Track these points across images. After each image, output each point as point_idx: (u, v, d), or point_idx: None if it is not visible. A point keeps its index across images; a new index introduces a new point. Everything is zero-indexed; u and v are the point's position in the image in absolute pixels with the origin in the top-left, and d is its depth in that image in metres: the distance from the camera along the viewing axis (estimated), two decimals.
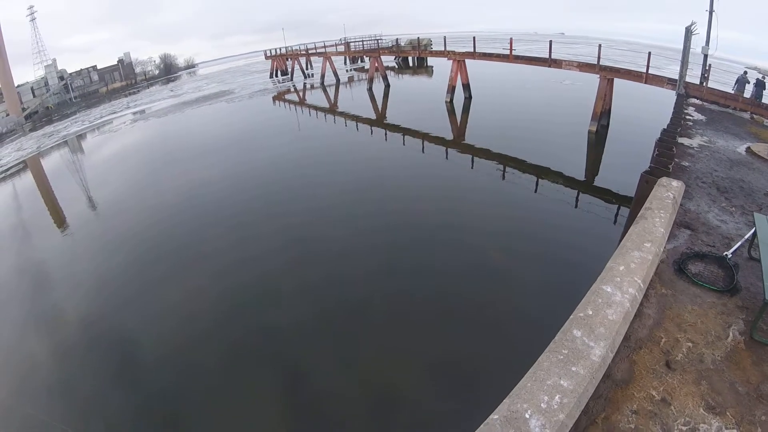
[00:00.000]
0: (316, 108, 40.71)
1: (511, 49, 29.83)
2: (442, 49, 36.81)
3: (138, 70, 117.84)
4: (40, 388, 10.05)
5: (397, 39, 54.33)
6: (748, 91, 21.22)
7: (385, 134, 28.97)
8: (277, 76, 74.43)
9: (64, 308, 13.17)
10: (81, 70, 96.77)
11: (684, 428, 4.02)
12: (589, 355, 4.16)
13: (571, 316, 4.69)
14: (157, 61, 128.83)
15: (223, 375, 9.66)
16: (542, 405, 3.64)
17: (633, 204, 9.78)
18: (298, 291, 12.29)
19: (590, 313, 4.69)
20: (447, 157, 23.01)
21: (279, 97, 51.33)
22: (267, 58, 79.05)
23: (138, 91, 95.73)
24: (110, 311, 12.52)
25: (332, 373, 9.42)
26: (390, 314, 11.07)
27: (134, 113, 56.47)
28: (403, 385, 8.91)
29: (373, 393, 8.87)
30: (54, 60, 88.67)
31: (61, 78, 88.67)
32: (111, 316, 12.31)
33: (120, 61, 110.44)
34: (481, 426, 3.54)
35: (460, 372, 8.99)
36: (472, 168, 21.19)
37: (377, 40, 60.16)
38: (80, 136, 45.89)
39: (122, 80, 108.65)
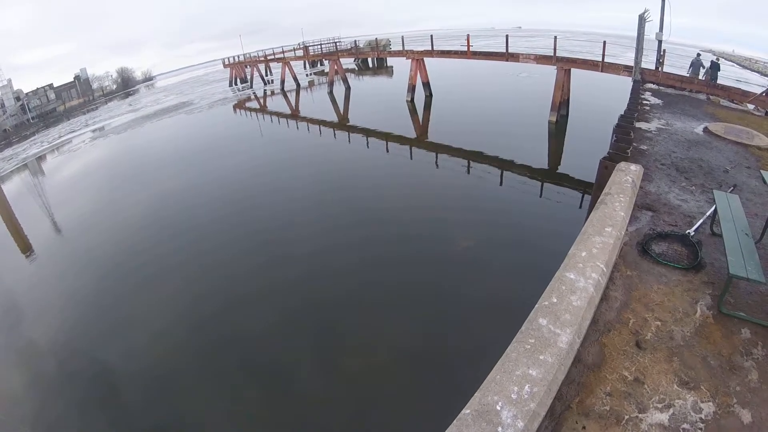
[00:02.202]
0: (278, 114, 40.31)
1: (468, 46, 30.00)
2: (401, 48, 36.89)
3: (95, 86, 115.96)
4: (12, 414, 9.70)
5: (355, 41, 54.10)
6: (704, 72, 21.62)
7: (349, 136, 28.81)
8: (236, 84, 73.33)
9: (33, 330, 12.69)
10: (37, 89, 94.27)
11: (659, 405, 3.96)
12: (556, 343, 4.07)
13: (537, 305, 4.60)
14: (114, 75, 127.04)
15: (202, 383, 9.47)
16: (513, 396, 3.55)
17: (594, 190, 9.78)
18: (270, 293, 12.17)
19: (555, 300, 4.60)
20: (411, 156, 22.94)
21: (240, 105, 50.62)
22: (225, 66, 78.04)
23: (96, 107, 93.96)
24: (81, 330, 12.13)
25: (306, 373, 9.31)
26: (363, 310, 11.03)
27: (93, 131, 55.18)
28: (378, 382, 8.86)
29: (348, 391, 8.78)
30: (9, 80, 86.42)
31: (18, 99, 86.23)
32: (82, 335, 11.92)
33: (76, 77, 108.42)
34: (454, 422, 3.44)
35: (434, 365, 8.95)
36: (436, 165, 21.16)
37: (336, 42, 60.06)
38: (40, 158, 44.60)
39: (80, 97, 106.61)
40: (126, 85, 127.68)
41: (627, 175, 7.72)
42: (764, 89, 18.33)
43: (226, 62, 77.17)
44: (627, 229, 6.70)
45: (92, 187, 27.29)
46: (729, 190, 7.77)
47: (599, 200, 6.89)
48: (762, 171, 7.02)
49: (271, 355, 10.05)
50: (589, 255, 5.34)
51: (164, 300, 12.85)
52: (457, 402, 3.73)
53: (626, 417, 3.89)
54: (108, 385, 9.95)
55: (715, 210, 6.45)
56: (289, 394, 8.88)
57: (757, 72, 56.70)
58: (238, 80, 73.69)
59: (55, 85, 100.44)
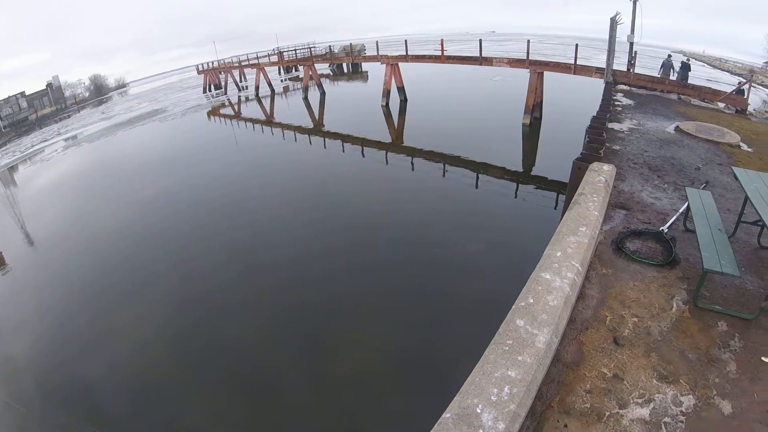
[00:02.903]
0: (253, 121, 40.01)
1: (442, 50, 30.11)
2: (376, 53, 36.90)
3: (68, 93, 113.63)
4: None
5: (330, 46, 54.08)
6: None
7: (324, 142, 28.66)
8: (210, 90, 72.73)
9: (11, 344, 12.36)
10: (9, 97, 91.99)
11: (639, 400, 3.98)
12: (534, 343, 4.07)
13: (513, 307, 4.60)
14: (87, 83, 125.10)
15: (186, 393, 9.37)
16: (492, 398, 3.53)
17: (568, 191, 9.84)
18: (252, 302, 12.05)
19: (531, 301, 4.61)
20: (387, 161, 22.97)
21: (214, 112, 50.15)
22: (199, 72, 77.05)
23: (69, 115, 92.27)
24: (60, 344, 11.83)
25: (291, 380, 9.23)
26: (344, 316, 11.02)
27: (66, 139, 54.10)
28: (361, 388, 8.82)
29: (332, 397, 8.73)
30: None
31: None
32: (61, 348, 11.62)
33: (49, 85, 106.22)
34: (435, 426, 3.41)
35: (416, 370, 8.96)
36: (412, 169, 21.17)
37: (310, 48, 59.84)
38: (12, 168, 43.60)
39: (52, 105, 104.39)
40: (99, 93, 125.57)
41: (600, 175, 7.78)
42: (734, 88, 18.73)
43: (200, 69, 76.29)
44: (601, 228, 6.75)
45: (66, 198, 26.75)
46: (701, 187, 7.87)
47: (573, 200, 6.93)
48: (733, 167, 7.10)
49: (254, 362, 9.94)
50: (564, 255, 5.36)
51: (144, 310, 12.61)
52: (439, 406, 3.70)
53: (607, 413, 3.90)
54: (90, 398, 9.74)
55: (688, 207, 6.53)
56: (274, 402, 8.82)
57: (727, 71, 57.93)
58: (212, 87, 73.09)
59: (27, 93, 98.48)
